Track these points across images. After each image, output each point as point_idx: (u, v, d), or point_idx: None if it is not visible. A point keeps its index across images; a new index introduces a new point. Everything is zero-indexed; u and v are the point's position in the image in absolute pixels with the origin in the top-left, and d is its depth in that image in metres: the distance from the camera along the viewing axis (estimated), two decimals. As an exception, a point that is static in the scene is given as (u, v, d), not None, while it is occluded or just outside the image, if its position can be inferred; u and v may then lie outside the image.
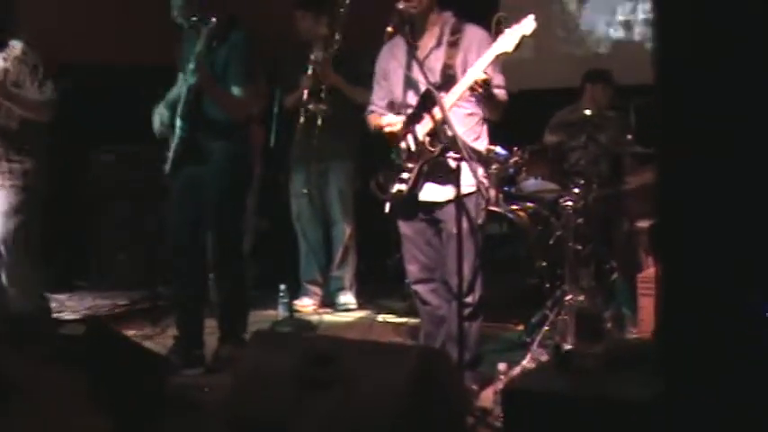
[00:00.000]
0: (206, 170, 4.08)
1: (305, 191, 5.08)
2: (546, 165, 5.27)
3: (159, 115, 4.12)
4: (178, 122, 4.03)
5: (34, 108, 4.19)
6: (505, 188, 5.28)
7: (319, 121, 4.95)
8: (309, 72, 5.00)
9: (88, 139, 5.95)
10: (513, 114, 5.71)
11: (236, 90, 4.05)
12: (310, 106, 4.82)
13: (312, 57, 5.00)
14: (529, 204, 5.22)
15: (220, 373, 4.04)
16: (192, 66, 3.94)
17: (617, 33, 6.38)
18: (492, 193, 5.10)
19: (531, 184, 5.32)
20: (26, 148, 4.26)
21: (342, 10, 4.94)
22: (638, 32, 6.28)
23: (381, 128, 3.61)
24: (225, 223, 4.18)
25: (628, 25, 6.35)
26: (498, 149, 5.12)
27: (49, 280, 5.33)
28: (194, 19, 3.94)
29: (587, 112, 5.02)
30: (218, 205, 4.13)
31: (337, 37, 4.87)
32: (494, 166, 5.13)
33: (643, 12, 6.26)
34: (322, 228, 5.45)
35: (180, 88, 4.07)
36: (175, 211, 4.21)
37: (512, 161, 5.15)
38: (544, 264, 4.88)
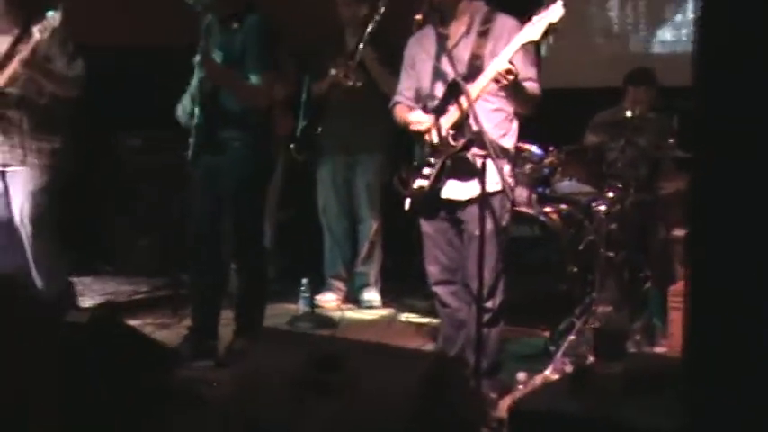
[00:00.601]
0: (224, 160, 3.99)
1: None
2: (582, 166, 5.05)
3: (182, 107, 4.05)
4: (196, 112, 3.93)
5: (63, 83, 4.13)
6: (539, 189, 5.09)
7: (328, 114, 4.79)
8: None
9: (113, 123, 5.88)
10: (552, 113, 5.56)
11: (253, 78, 3.93)
12: (333, 71, 4.59)
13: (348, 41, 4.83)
14: (563, 207, 5.03)
15: (231, 367, 3.92)
16: (198, 59, 3.83)
17: (664, 33, 6.14)
18: (523, 193, 4.95)
19: (565, 185, 5.12)
20: (55, 126, 4.20)
21: None
22: (686, 33, 6.04)
23: (408, 123, 3.46)
24: (242, 214, 4.08)
25: (675, 25, 6.10)
26: (534, 149, 4.97)
27: (74, 263, 5.29)
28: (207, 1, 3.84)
29: (628, 113, 4.83)
30: (236, 196, 4.03)
31: (377, 17, 4.68)
32: (528, 166, 4.97)
33: (692, 11, 6.02)
34: (348, 221, 5.31)
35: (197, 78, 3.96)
36: (195, 199, 4.13)
37: (547, 161, 4.97)
38: (575, 269, 4.68)
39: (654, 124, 4.91)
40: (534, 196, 4.98)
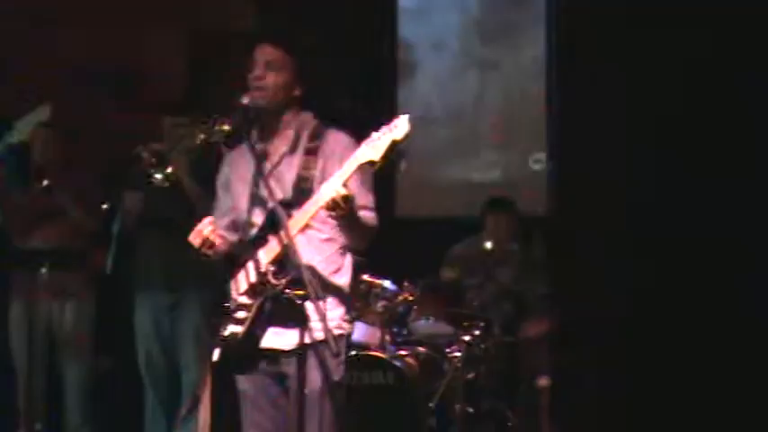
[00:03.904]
0: None
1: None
2: (440, 304, 4.60)
3: None
4: None
5: None
6: (394, 329, 4.57)
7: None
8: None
9: None
10: (406, 244, 5.19)
11: None
12: (156, 175, 3.92)
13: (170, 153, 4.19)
14: (420, 349, 4.50)
15: None
16: None
17: (524, 160, 5.83)
18: (376, 334, 4.43)
19: (422, 325, 4.64)
20: None
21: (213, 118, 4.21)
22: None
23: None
24: None
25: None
26: (386, 284, 4.53)
27: None
28: None
29: (488, 245, 4.45)
30: None
31: (202, 136, 4.09)
32: (380, 304, 4.50)
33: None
34: (176, 374, 4.54)
35: None
36: None
37: (401, 298, 4.52)
38: (434, 423, 4.11)
39: (516, 257, 4.54)
40: (388, 338, 4.46)
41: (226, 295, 2.88)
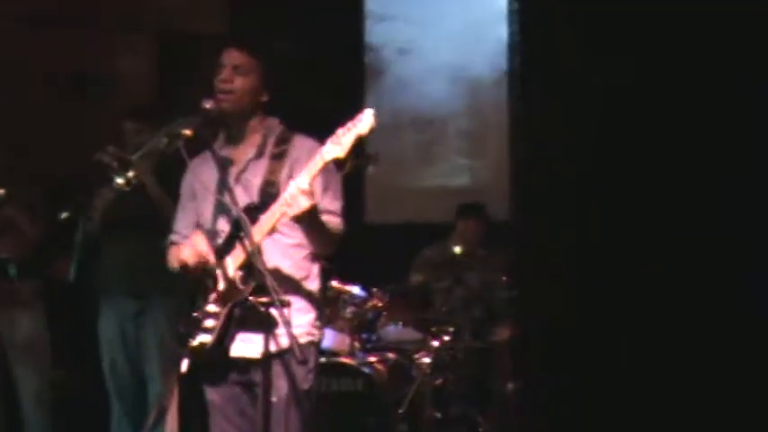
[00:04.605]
0: None
1: None
2: (409, 309, 4.58)
3: None
4: None
5: None
6: (363, 335, 4.55)
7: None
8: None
9: None
10: (375, 250, 5.15)
11: None
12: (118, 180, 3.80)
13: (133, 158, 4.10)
14: (390, 355, 4.48)
15: None
16: None
17: (494, 165, 5.84)
18: (345, 340, 4.40)
19: (392, 331, 4.62)
20: None
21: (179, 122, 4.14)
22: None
23: (183, 264, 2.81)
24: None
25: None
26: (355, 290, 4.52)
27: None
28: None
29: (456, 249, 4.44)
30: None
31: (165, 140, 4.01)
32: (349, 310, 4.48)
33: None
34: (142, 383, 4.46)
35: None
36: None
37: (370, 304, 4.51)
38: (404, 429, 4.08)
39: (485, 262, 4.54)
40: (357, 344, 4.43)
41: (194, 304, 2.83)
